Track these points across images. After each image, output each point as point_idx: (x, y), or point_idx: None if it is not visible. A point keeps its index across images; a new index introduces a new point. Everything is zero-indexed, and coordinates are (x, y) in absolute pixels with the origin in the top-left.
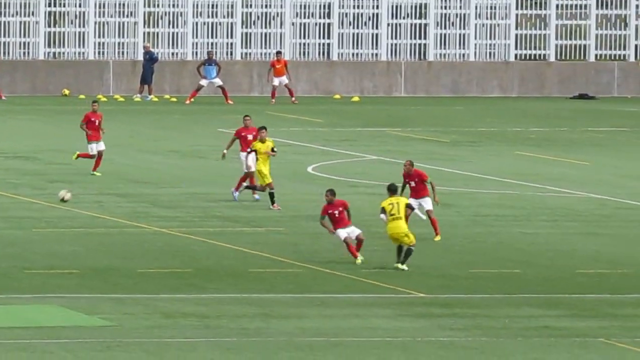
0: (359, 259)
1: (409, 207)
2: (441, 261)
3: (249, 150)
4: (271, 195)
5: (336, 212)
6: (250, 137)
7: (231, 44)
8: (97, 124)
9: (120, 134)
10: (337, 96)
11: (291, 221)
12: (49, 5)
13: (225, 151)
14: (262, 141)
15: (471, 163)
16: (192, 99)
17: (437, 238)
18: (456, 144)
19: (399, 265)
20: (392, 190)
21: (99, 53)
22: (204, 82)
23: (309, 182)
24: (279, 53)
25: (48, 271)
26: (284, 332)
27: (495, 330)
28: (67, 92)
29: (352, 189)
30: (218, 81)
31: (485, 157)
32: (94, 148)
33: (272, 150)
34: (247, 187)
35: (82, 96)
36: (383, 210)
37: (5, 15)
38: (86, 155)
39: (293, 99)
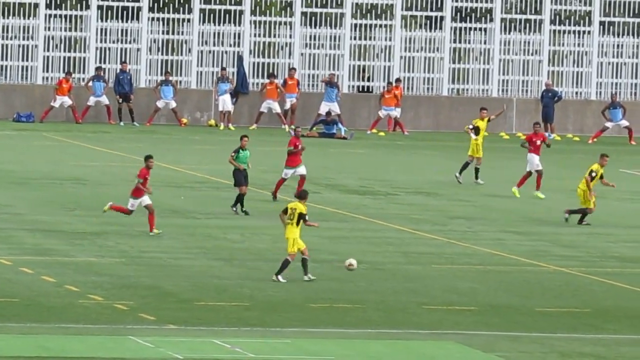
0: None
1: None
2: None
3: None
4: (476, 171)
5: None
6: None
7: (636, 84)
8: None
9: (521, 173)
10: None
11: None
12: (454, 42)
13: None
14: (482, 119)
15: None
16: (595, 139)
17: None
18: None
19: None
20: None
21: (502, 90)
22: (609, 124)
23: None
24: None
25: (446, 307)
26: None
27: None
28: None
29: None
30: (624, 122)
31: None
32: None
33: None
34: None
35: (485, 133)
36: None
37: (411, 51)
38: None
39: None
